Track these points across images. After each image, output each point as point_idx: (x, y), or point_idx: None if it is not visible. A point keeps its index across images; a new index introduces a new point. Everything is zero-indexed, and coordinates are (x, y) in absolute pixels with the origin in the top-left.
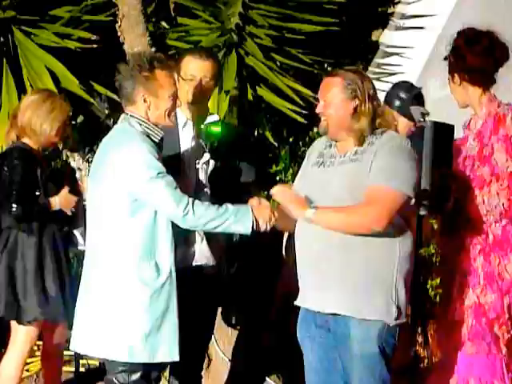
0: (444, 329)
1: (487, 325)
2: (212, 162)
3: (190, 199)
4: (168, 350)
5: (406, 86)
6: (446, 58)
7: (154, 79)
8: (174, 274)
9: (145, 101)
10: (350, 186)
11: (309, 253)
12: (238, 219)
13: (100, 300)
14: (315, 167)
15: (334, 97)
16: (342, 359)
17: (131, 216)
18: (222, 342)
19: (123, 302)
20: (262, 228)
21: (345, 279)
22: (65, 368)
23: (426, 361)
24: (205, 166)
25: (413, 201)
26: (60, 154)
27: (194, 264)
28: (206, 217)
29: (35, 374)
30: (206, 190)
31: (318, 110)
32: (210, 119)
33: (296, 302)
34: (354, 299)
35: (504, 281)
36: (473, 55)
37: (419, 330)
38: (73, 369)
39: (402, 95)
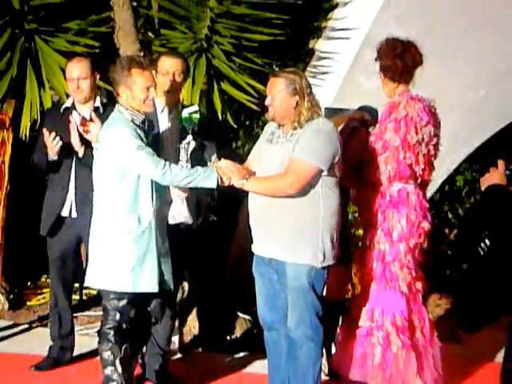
0: (360, 271)
1: (385, 266)
2: (193, 143)
3: (167, 162)
4: (148, 283)
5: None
6: (376, 60)
7: (129, 76)
8: (152, 225)
9: (124, 93)
10: (280, 161)
11: (254, 211)
12: (205, 176)
13: (99, 245)
14: (266, 143)
15: (278, 93)
16: (283, 290)
17: (119, 181)
18: None
19: (114, 245)
20: (226, 183)
21: (280, 232)
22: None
23: (349, 292)
24: (186, 146)
25: (325, 172)
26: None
27: (173, 222)
28: (180, 175)
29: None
30: (187, 165)
31: (266, 103)
32: (191, 109)
33: (252, 248)
34: (287, 248)
35: (397, 232)
36: (387, 57)
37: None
38: (78, 297)
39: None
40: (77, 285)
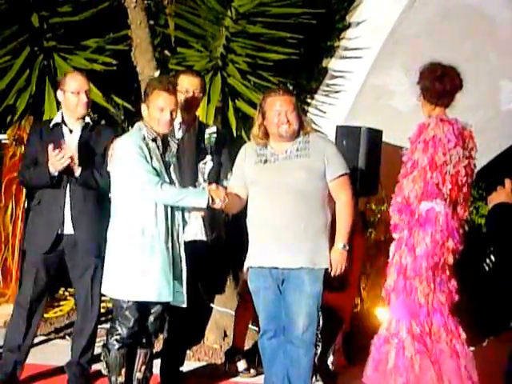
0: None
1: (405, 280)
2: (210, 164)
3: (160, 180)
4: (148, 293)
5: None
6: (418, 82)
7: (151, 95)
8: (157, 238)
9: (144, 110)
10: (307, 176)
11: (277, 227)
12: (195, 196)
13: (107, 253)
14: (260, 164)
15: (294, 109)
16: (293, 299)
17: (123, 192)
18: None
19: (118, 254)
20: (218, 206)
21: (304, 241)
22: None
23: (358, 306)
24: (203, 166)
25: None
26: None
27: (189, 239)
28: (170, 192)
29: (67, 313)
30: (204, 184)
31: (283, 120)
32: (211, 129)
33: (259, 264)
34: (310, 254)
35: (420, 248)
36: (427, 80)
37: None
38: None
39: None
40: None
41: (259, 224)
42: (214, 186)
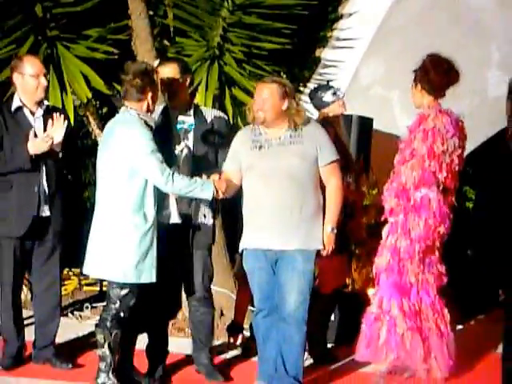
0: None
1: (398, 262)
2: (186, 150)
3: (171, 171)
4: (149, 275)
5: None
6: (415, 71)
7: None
8: (155, 222)
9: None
10: (300, 162)
11: (274, 211)
12: (203, 188)
13: (105, 238)
14: (255, 150)
15: (271, 98)
16: (286, 277)
17: (130, 179)
18: None
19: (122, 240)
20: (220, 196)
21: (300, 224)
22: (92, 287)
23: (349, 287)
24: (180, 153)
25: None
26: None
27: (172, 222)
28: (180, 185)
29: (71, 292)
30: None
31: (257, 107)
32: (185, 118)
33: (254, 246)
34: (305, 237)
35: (415, 233)
36: (435, 73)
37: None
38: (98, 288)
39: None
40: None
41: (254, 208)
42: (216, 176)
